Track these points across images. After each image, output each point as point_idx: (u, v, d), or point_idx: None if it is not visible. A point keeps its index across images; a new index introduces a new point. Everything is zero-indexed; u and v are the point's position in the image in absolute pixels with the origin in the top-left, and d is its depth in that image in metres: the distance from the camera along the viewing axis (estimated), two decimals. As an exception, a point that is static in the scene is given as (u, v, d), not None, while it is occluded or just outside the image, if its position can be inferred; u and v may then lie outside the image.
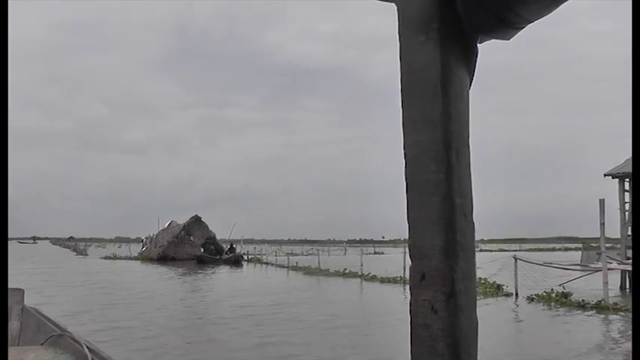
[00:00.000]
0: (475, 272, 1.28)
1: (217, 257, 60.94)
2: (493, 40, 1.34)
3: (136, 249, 76.83)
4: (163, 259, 62.50)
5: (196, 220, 66.80)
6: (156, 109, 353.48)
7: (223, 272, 45.98)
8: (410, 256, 1.25)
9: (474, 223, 1.30)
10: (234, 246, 64.30)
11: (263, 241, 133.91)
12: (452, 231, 1.22)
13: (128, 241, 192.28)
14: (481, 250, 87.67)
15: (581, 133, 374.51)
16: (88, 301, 23.04)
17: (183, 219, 70.45)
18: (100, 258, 66.43)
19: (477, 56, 1.34)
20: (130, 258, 66.60)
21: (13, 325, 6.72)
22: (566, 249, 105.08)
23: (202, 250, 62.76)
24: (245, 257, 62.83)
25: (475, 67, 1.34)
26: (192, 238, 65.31)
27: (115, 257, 67.29)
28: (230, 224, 79.86)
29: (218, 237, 66.71)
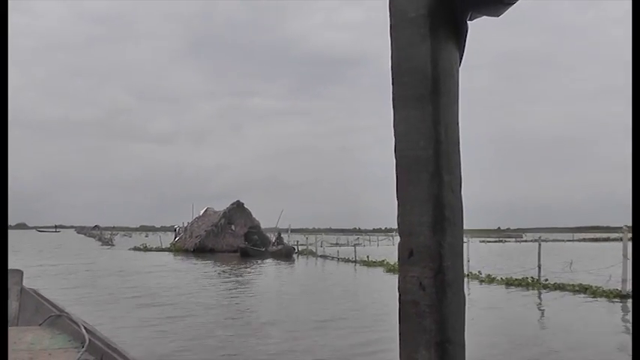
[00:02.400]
0: (463, 248, 1.28)
1: (263, 249, 51.93)
2: (484, 16, 1.31)
3: (165, 239, 67.66)
4: (201, 250, 53.53)
5: (238, 207, 57.54)
6: (181, 99, 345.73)
7: (287, 269, 36.88)
8: (399, 232, 1.25)
9: (462, 199, 1.28)
10: (282, 236, 55.12)
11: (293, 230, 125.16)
12: (440, 207, 1.22)
13: (153, 229, 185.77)
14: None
15: (606, 121, 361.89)
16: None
17: (209, 207, 61.83)
18: (129, 249, 57.48)
19: (466, 33, 1.31)
20: (162, 249, 57.62)
21: (12, 305, 6.69)
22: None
23: (245, 240, 53.55)
24: (296, 249, 53.30)
25: (465, 43, 1.32)
26: (233, 227, 56.20)
27: (145, 249, 58.25)
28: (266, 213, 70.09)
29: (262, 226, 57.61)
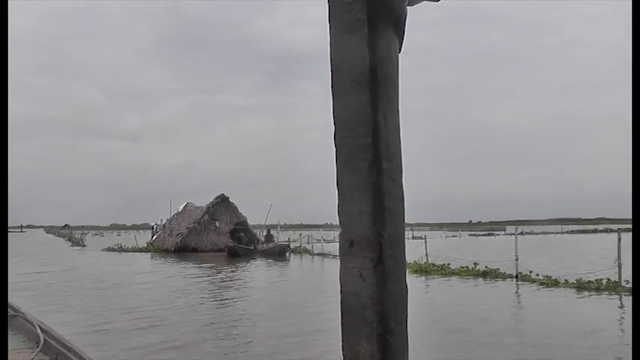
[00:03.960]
0: (404, 238, 1.24)
1: (252, 248, 46.51)
2: (424, 2, 1.31)
3: (141, 237, 61.55)
4: (182, 250, 47.92)
5: (223, 201, 51.82)
6: (150, 96, 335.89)
7: (292, 272, 31.62)
8: (339, 222, 1.23)
9: (402, 187, 1.26)
10: (271, 233, 49.63)
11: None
12: (379, 196, 1.19)
13: (125, 228, 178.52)
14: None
15: (575, 115, 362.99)
16: None
17: (189, 202, 56.20)
18: (103, 250, 51.48)
19: (405, 18, 1.28)
20: (139, 250, 51.69)
21: None
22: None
23: (230, 238, 47.95)
24: (290, 247, 47.72)
25: (404, 29, 1.28)
26: (217, 223, 50.58)
27: (120, 249, 52.34)
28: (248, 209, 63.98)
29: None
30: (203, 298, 19.44)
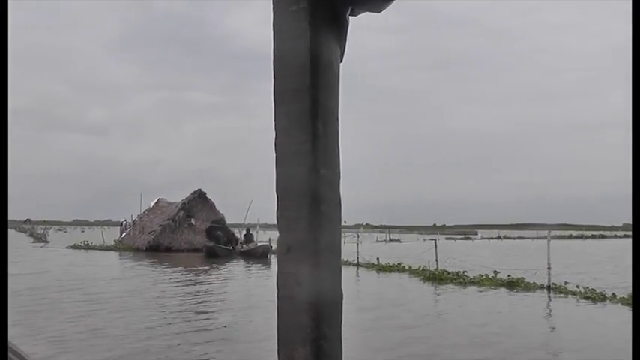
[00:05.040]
0: (340, 244, 1.24)
1: (231, 248, 42.88)
2: (367, 12, 1.30)
3: (108, 234, 57.07)
4: (155, 249, 44.03)
5: (199, 197, 48.00)
6: (117, 90, 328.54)
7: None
8: (278, 227, 1.23)
9: (340, 194, 1.27)
10: (251, 232, 45.97)
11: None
12: (317, 202, 1.19)
13: (88, 224, 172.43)
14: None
15: (541, 122, 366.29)
16: None
17: (147, 202, 52.48)
18: (68, 247, 47.19)
19: (347, 28, 1.30)
20: (107, 248, 47.56)
21: None
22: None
23: (206, 237, 44.15)
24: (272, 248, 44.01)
25: (346, 39, 1.30)
26: (193, 220, 46.79)
27: (87, 246, 48.15)
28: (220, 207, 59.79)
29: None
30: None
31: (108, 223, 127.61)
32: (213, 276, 26.52)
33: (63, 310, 14.73)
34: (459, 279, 23.19)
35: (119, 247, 47.07)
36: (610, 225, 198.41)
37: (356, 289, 21.47)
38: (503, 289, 21.05)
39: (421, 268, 26.41)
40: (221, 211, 48.57)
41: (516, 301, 18.58)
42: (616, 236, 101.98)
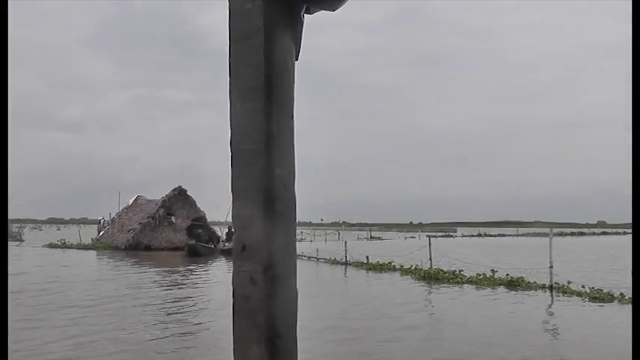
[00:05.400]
0: (295, 243, 1.23)
1: (212, 246, 41.68)
2: (321, 11, 1.29)
3: (84, 233, 55.42)
4: (134, 247, 42.69)
5: (180, 194, 46.67)
6: (93, 87, 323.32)
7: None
8: (233, 226, 1.22)
9: (294, 193, 1.25)
10: (233, 231, 44.65)
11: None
12: (271, 201, 1.19)
13: (63, 222, 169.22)
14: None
15: (517, 121, 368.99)
16: None
17: (126, 199, 51.07)
18: (44, 246, 45.54)
19: (302, 26, 1.29)
20: (85, 247, 46.01)
21: None
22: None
23: (187, 235, 42.78)
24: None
25: (301, 37, 1.29)
26: (173, 218, 45.46)
27: (64, 245, 46.61)
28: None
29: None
30: None
31: (84, 221, 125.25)
32: (202, 278, 25.34)
33: (45, 319, 13.48)
34: (456, 278, 22.31)
35: (97, 245, 45.57)
36: (585, 222, 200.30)
37: (356, 292, 20.46)
38: (503, 289, 20.18)
39: (414, 267, 25.49)
40: (201, 209, 47.32)
41: (515, 300, 17.70)
42: (594, 233, 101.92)
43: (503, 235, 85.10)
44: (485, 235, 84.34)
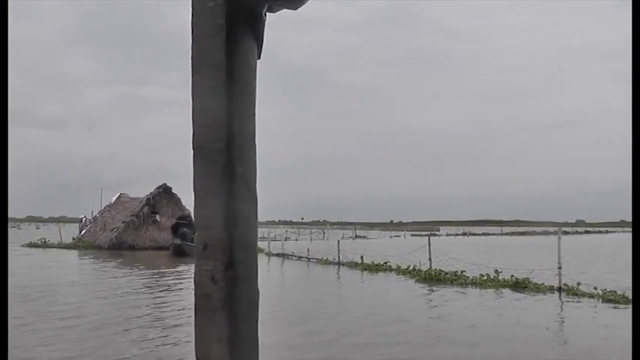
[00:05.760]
0: (256, 242, 1.22)
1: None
2: (283, 9, 1.28)
3: (65, 232, 53.81)
4: (118, 247, 41.38)
5: (165, 192, 45.32)
6: (73, 84, 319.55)
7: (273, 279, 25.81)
8: (195, 225, 1.23)
9: (256, 192, 1.26)
10: (219, 229, 43.46)
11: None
12: (232, 200, 1.19)
13: (42, 220, 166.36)
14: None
15: (494, 121, 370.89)
16: None
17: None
18: (23, 245, 43.96)
19: (264, 25, 1.27)
20: (66, 246, 44.54)
21: None
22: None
23: (172, 234, 41.44)
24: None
25: (263, 36, 1.26)
26: (158, 217, 44.11)
27: (44, 244, 45.02)
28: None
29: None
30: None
31: (63, 220, 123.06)
32: (177, 268, 24.09)
33: (29, 330, 12.23)
34: (459, 280, 21.34)
35: (79, 245, 44.13)
36: (564, 221, 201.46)
37: (366, 296, 19.41)
38: (509, 291, 19.23)
39: (412, 268, 24.50)
40: (187, 207, 46.00)
41: (526, 304, 16.76)
42: (578, 232, 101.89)
43: (488, 234, 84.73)
44: (470, 234, 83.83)
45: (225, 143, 1.19)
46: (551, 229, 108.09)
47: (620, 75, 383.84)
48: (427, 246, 24.55)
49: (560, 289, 18.87)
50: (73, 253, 38.54)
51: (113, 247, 41.26)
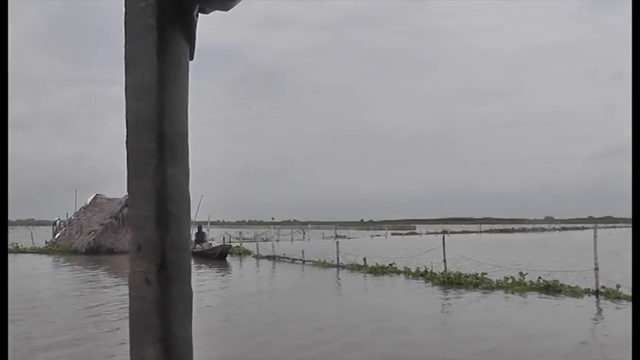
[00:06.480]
0: (189, 243, 1.22)
1: (183, 248, 38.05)
2: (215, 10, 1.30)
3: (36, 235, 50.78)
4: (96, 251, 38.81)
5: (144, 193, 42.87)
6: (39, 83, 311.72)
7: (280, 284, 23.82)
8: (129, 226, 1.22)
9: (189, 192, 1.25)
10: (203, 231, 41.18)
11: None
12: (164, 201, 1.18)
13: (9, 223, 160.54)
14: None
15: (460, 120, 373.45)
16: None
17: (70, 199, 46.98)
18: (-7, 251, 41.02)
19: (195, 25, 1.28)
20: (40, 250, 41.81)
21: None
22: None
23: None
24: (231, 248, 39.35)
25: (195, 36, 1.28)
26: (137, 219, 41.56)
27: (16, 249, 42.10)
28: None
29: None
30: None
31: (31, 223, 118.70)
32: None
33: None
34: (482, 283, 19.60)
35: (54, 249, 41.39)
36: (533, 218, 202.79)
37: (396, 306, 17.53)
38: (542, 295, 17.55)
39: (424, 271, 22.72)
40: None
41: (574, 311, 15.11)
42: (554, 229, 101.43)
43: (467, 232, 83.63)
44: (451, 233, 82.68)
45: (156, 144, 1.16)
46: (529, 226, 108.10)
47: (583, 75, 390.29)
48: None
49: (597, 293, 17.26)
50: (49, 259, 35.90)
51: (91, 252, 38.71)
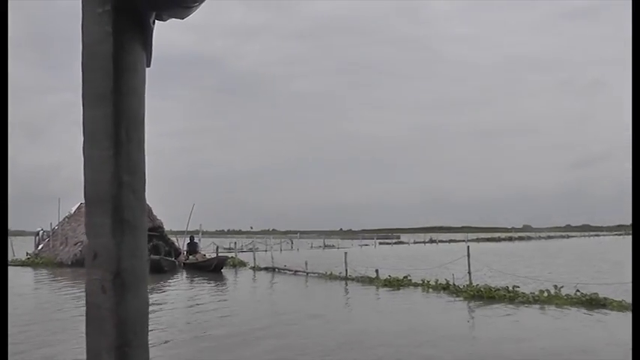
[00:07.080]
0: (145, 250, 1.21)
1: (174, 260, 36.29)
2: (172, 18, 1.29)
3: (19, 245, 48.07)
4: (82, 263, 36.14)
5: (134, 202, 40.80)
6: (17, 91, 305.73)
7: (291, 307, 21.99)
8: (86, 234, 1.21)
9: (145, 201, 1.23)
10: (195, 241, 39.22)
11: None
12: (119, 209, 1.17)
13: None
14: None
15: (438, 129, 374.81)
16: None
17: (52, 209, 44.62)
18: (-28, 264, 38.56)
19: (152, 33, 1.27)
20: (22, 263, 39.41)
21: None
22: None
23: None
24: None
25: (152, 44, 1.27)
26: (126, 229, 39.48)
27: (-3, 262, 39.77)
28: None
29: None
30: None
31: (13, 233, 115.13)
32: (204, 305, 20.14)
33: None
34: (516, 297, 18.09)
35: (37, 261, 39.07)
36: (511, 227, 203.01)
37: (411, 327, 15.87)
38: (592, 311, 16.10)
39: (446, 283, 21.16)
40: (158, 217, 41.56)
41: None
42: (540, 237, 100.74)
43: (454, 241, 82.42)
44: (440, 242, 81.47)
45: (112, 151, 1.14)
46: (516, 234, 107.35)
47: (559, 85, 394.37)
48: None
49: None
50: (33, 272, 33.69)
51: (77, 264, 36.45)
